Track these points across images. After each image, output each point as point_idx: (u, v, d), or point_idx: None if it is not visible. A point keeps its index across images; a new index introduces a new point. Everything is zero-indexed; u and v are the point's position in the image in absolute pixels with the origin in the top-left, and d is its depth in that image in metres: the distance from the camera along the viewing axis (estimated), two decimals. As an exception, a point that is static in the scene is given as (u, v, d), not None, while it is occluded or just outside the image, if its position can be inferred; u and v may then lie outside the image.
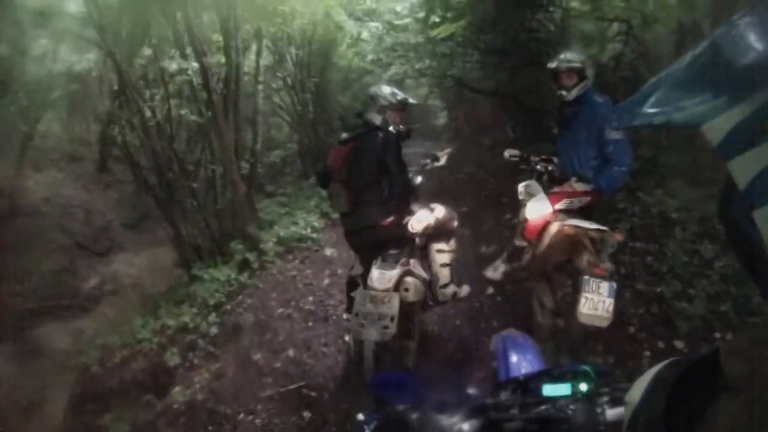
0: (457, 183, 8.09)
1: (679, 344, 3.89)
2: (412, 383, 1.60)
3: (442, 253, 4.16)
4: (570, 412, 0.98)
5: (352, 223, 4.14)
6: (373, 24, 9.62)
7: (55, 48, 10.11)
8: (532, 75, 7.22)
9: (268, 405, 4.40)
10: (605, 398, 0.99)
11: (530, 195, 4.25)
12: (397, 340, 3.77)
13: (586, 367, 1.10)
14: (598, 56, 6.27)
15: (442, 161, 4.58)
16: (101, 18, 6.77)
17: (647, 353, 3.87)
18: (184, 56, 7.20)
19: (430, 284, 4.13)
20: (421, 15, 7.87)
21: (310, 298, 5.89)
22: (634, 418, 0.71)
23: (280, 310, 5.77)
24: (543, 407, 1.02)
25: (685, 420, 0.61)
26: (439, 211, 4.13)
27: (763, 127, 0.70)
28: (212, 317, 5.88)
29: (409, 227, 3.93)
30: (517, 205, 4.48)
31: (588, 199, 3.93)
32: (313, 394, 4.36)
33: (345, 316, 4.82)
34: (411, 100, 4.27)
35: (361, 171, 3.94)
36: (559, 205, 3.94)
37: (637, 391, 0.72)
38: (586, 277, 3.38)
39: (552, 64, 4.09)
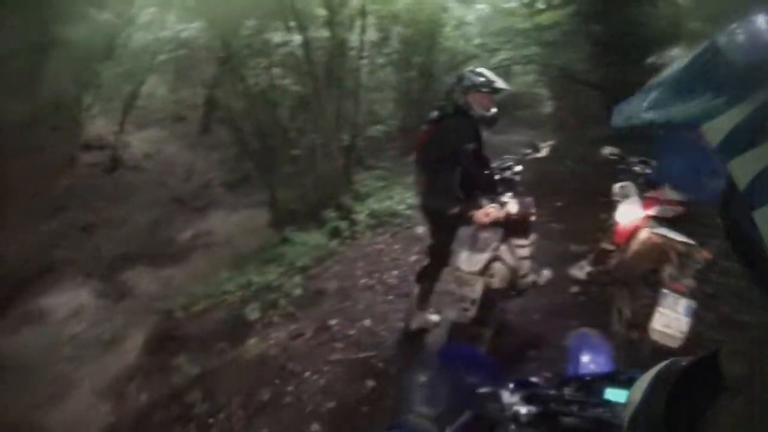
0: (557, 175, 7.82)
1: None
2: (481, 361, 1.61)
3: (520, 248, 4.05)
4: (622, 420, 0.96)
5: (424, 205, 4.16)
6: (479, 6, 9.45)
7: (162, 17, 10.60)
8: (640, 71, 6.89)
9: (335, 368, 4.47)
10: None
11: (625, 197, 4.06)
12: (473, 326, 3.72)
13: None
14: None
15: (543, 152, 4.45)
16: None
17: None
18: (288, 29, 7.34)
19: (515, 273, 4.04)
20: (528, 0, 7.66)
21: (395, 273, 5.91)
22: (635, 418, 0.71)
23: (364, 281, 5.84)
24: (601, 410, 1.01)
25: (686, 420, 0.61)
26: (512, 206, 3.91)
27: (763, 127, 0.70)
28: (297, 279, 6.04)
29: (476, 219, 3.81)
30: (613, 207, 4.29)
31: (681, 209, 3.70)
32: (381, 365, 4.38)
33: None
34: (500, 85, 3.94)
35: (435, 155, 3.88)
36: (651, 211, 3.74)
37: (637, 391, 0.73)
38: (665, 291, 3.20)
39: (650, 59, 3.88)
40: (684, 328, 3.12)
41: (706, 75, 0.79)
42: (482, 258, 3.64)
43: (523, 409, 1.02)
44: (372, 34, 9.98)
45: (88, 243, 8.77)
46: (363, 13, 8.61)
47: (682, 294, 3.18)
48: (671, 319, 3.13)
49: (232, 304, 6.05)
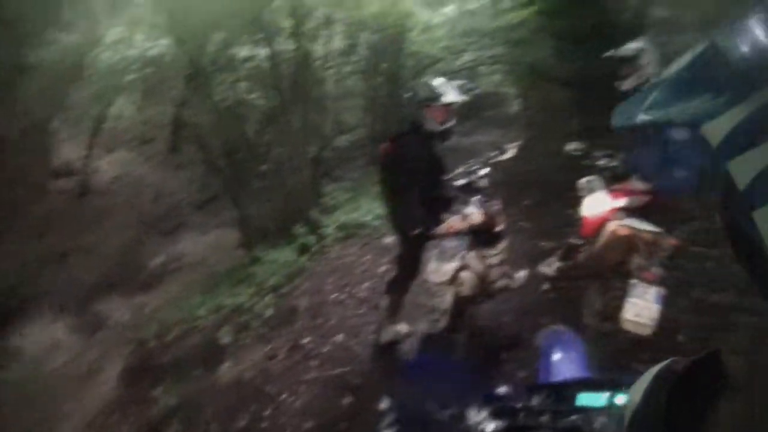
0: (524, 174, 7.83)
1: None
2: (453, 372, 1.60)
3: (486, 258, 4.04)
4: (599, 425, 0.92)
5: (390, 219, 4.18)
6: (445, 9, 9.50)
7: (129, 35, 10.60)
8: (607, 65, 6.95)
9: (311, 387, 4.46)
10: None
11: (591, 191, 4.07)
12: (445, 334, 3.78)
13: (625, 379, 1.03)
14: (667, 46, 5.95)
15: (510, 154, 4.46)
16: (172, 6, 6.99)
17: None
18: (254, 42, 7.34)
19: (484, 280, 4.03)
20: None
21: (365, 285, 5.91)
22: (634, 418, 0.71)
23: (334, 295, 5.84)
24: (574, 417, 0.97)
25: (686, 420, 0.62)
26: (476, 216, 3.87)
27: (763, 127, 0.69)
28: (268, 299, 6.04)
29: (440, 233, 3.81)
30: (581, 201, 4.31)
31: (647, 199, 3.73)
32: (356, 380, 4.37)
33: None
34: (450, 98, 3.81)
35: (393, 174, 3.87)
36: (617, 203, 3.76)
37: (637, 391, 0.73)
38: (634, 280, 3.23)
39: (606, 53, 3.94)
40: (655, 316, 3.14)
41: (706, 75, 0.78)
42: (450, 268, 3.67)
43: (490, 426, 1.00)
44: (339, 43, 10.02)
45: (61, 272, 8.74)
46: (329, 22, 8.62)
47: (652, 282, 3.21)
48: (642, 308, 3.16)
49: (204, 329, 6.06)
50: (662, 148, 3.63)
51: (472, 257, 3.89)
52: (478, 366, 3.90)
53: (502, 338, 4.28)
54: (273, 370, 4.88)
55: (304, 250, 6.93)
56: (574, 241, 4.29)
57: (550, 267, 4.67)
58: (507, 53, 8.15)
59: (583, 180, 4.22)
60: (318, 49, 8.91)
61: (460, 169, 4.23)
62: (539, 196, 7.03)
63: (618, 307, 3.29)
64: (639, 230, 3.39)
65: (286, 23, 7.70)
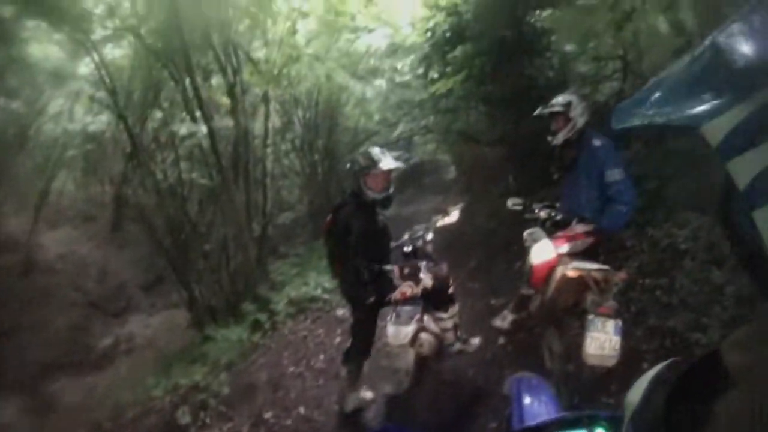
0: (467, 236, 8.04)
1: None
2: None
3: (441, 321, 4.11)
4: None
5: (341, 290, 4.26)
6: (377, 82, 9.82)
7: (70, 108, 10.58)
8: (535, 122, 7.29)
9: (276, 463, 4.29)
10: None
11: (535, 241, 4.20)
12: (410, 396, 3.78)
13: (601, 414, 1.06)
14: (593, 96, 6.31)
15: (454, 217, 4.59)
16: (112, 81, 7.04)
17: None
18: (193, 119, 7.40)
19: (442, 342, 4.09)
20: (421, 71, 8.03)
21: (322, 357, 5.89)
22: (634, 419, 0.71)
23: (292, 369, 5.78)
24: None
25: (686, 420, 0.61)
26: (427, 280, 3.98)
27: (763, 127, 0.71)
28: (223, 377, 5.88)
29: (393, 300, 3.86)
30: (526, 254, 4.44)
31: (591, 240, 3.90)
32: (322, 452, 4.24)
33: None
34: (386, 165, 3.86)
35: (337, 244, 3.94)
36: (562, 249, 3.90)
37: (636, 391, 0.73)
38: (591, 316, 3.31)
39: (536, 112, 4.15)
40: (617, 347, 3.22)
41: (706, 75, 0.78)
42: (408, 330, 3.70)
43: None
44: (275, 120, 10.15)
45: (8, 351, 8.35)
46: (266, 99, 8.77)
47: (608, 316, 3.30)
48: (602, 341, 3.23)
49: (162, 410, 5.79)
50: (599, 190, 3.85)
51: (428, 320, 3.97)
52: (448, 424, 3.91)
53: (468, 393, 4.29)
54: (236, 448, 4.68)
55: (256, 326, 6.85)
56: (524, 292, 4.39)
57: (504, 321, 4.76)
58: (439, 121, 8.43)
59: (526, 232, 4.38)
60: (256, 126, 9.02)
61: (405, 236, 4.34)
62: (484, 255, 7.19)
63: (578, 346, 3.36)
64: (588, 270, 3.50)
65: (224, 100, 7.82)
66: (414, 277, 3.93)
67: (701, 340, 3.83)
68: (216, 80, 8.17)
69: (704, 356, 0.64)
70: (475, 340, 4.44)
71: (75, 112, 10.83)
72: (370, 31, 9.65)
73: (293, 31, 7.64)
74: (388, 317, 3.82)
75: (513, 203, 4.57)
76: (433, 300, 4.05)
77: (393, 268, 3.92)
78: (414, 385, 3.70)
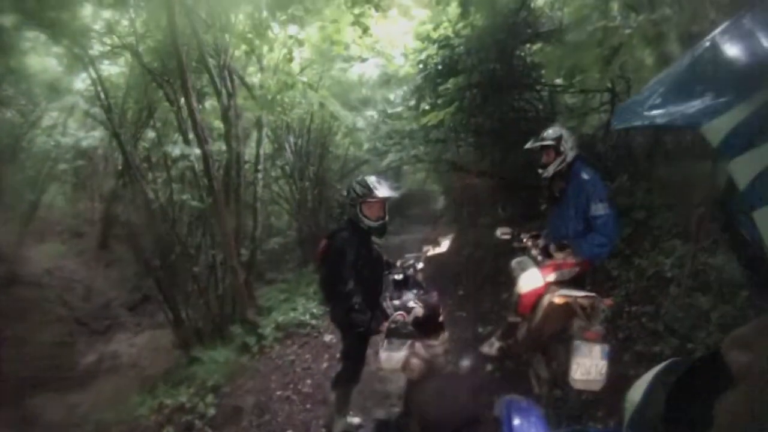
0: (456, 265, 8.10)
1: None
2: None
3: (431, 348, 4.13)
4: None
5: (331, 316, 4.31)
6: (368, 113, 9.93)
7: (64, 121, 10.59)
8: (524, 154, 7.36)
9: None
10: None
11: (523, 270, 4.25)
12: (401, 419, 3.88)
13: (591, 430, 1.08)
14: (580, 128, 6.39)
15: (444, 247, 4.63)
16: (107, 98, 7.10)
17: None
18: (186, 141, 7.44)
19: (432, 366, 4.10)
20: (413, 103, 8.13)
21: (309, 381, 5.90)
22: (634, 418, 0.72)
23: (279, 392, 5.77)
24: None
25: (686, 419, 0.63)
26: (418, 310, 4.01)
27: (763, 127, 0.72)
28: (210, 398, 5.83)
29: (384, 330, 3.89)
30: (513, 284, 4.48)
31: (577, 269, 3.96)
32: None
33: None
34: (382, 194, 3.93)
35: (331, 270, 3.96)
36: (549, 277, 3.96)
37: (637, 391, 0.75)
38: (578, 342, 3.35)
39: (527, 145, 4.22)
40: (603, 371, 3.25)
41: (706, 75, 0.79)
42: (400, 356, 3.72)
43: None
44: (268, 147, 10.22)
45: None
46: (259, 124, 8.83)
47: (595, 341, 3.33)
48: (589, 366, 3.26)
49: (146, 429, 5.72)
50: (584, 221, 3.93)
51: (419, 346, 3.96)
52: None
53: (457, 417, 4.29)
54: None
55: (243, 350, 6.84)
56: (512, 319, 4.42)
57: (491, 348, 4.76)
58: (429, 151, 8.50)
59: (514, 261, 4.43)
60: (248, 151, 9.07)
61: (397, 265, 4.39)
62: (473, 285, 7.25)
63: (565, 372, 3.40)
64: (575, 297, 3.56)
65: (218, 123, 7.89)
66: (405, 308, 3.99)
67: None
68: (210, 103, 8.24)
69: (704, 356, 0.66)
70: (465, 364, 4.47)
71: (68, 126, 10.86)
72: (363, 60, 9.81)
73: (290, 59, 7.73)
74: (381, 344, 3.85)
75: (502, 232, 4.63)
76: (424, 327, 4.04)
77: (386, 302, 4.02)
78: (404, 409, 3.78)
